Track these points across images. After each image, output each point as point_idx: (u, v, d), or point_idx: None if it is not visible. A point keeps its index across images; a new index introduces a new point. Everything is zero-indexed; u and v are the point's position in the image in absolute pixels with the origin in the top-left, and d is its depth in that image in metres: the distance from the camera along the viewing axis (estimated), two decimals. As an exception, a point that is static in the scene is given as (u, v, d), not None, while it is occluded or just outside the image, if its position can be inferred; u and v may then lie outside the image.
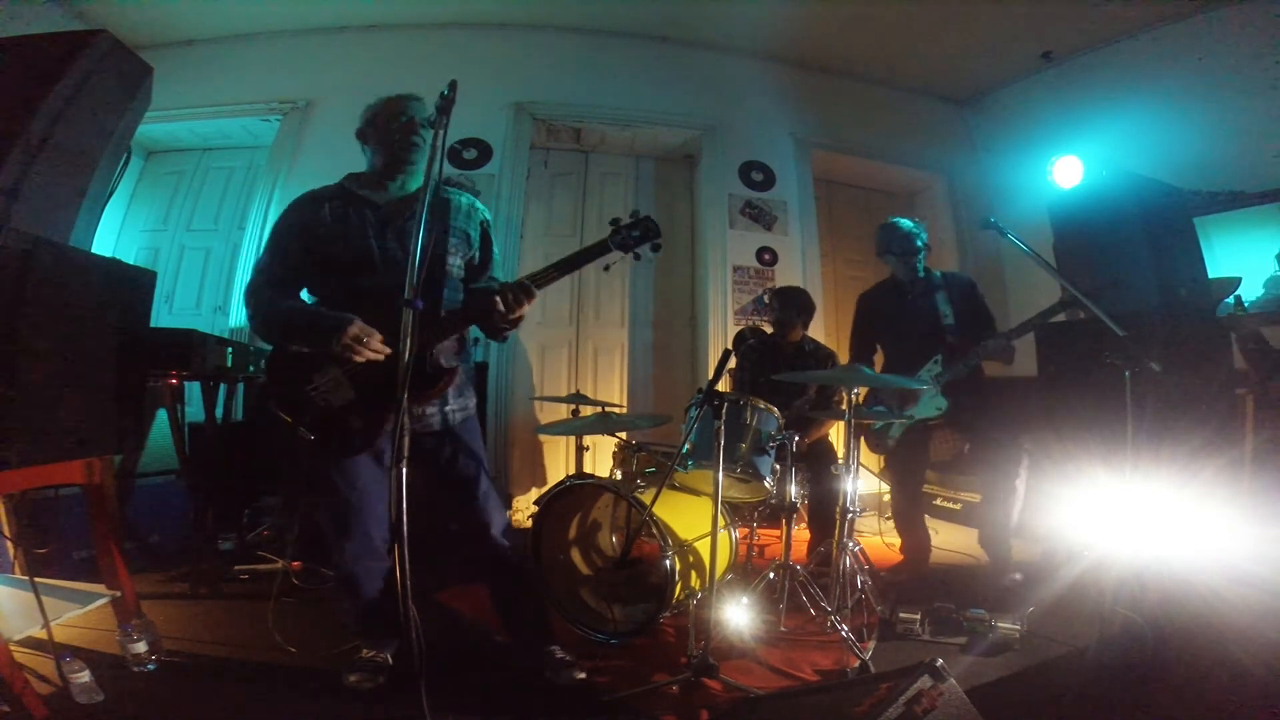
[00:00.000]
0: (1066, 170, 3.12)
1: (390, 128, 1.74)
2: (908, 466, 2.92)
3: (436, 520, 2.73)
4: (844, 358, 3.21)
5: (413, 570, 1.22)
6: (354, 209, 1.74)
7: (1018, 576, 2.57)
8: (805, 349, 3.14)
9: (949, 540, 3.36)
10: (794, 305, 3.16)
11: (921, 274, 2.91)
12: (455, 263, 1.80)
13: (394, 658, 1.86)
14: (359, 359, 1.56)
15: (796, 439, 2.41)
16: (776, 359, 3.07)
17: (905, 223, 2.96)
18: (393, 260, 1.68)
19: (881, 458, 3.01)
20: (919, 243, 2.90)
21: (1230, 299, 3.18)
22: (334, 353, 1.57)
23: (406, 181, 1.78)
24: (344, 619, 1.94)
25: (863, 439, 2.95)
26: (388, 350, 1.56)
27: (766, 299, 3.89)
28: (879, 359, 3.10)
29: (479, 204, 1.92)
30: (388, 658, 1.85)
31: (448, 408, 1.78)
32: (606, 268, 1.74)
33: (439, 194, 1.79)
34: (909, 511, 2.92)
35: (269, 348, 1.79)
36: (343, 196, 1.77)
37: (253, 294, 1.71)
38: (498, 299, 1.60)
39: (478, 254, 1.87)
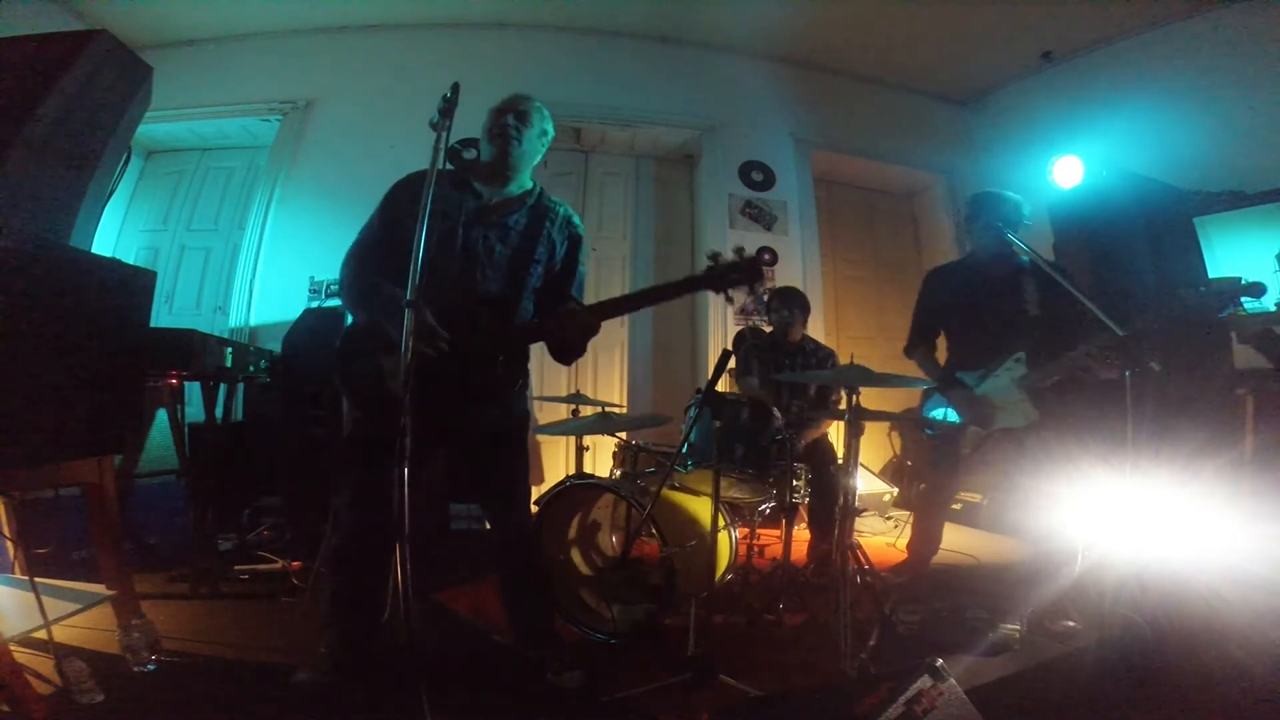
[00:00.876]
0: (1067, 170, 3.12)
1: (494, 121, 1.79)
2: (955, 470, 2.69)
3: (438, 521, 2.73)
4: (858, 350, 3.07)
5: (412, 570, 1.22)
6: (459, 194, 1.77)
7: (1070, 623, 2.17)
8: (806, 348, 3.14)
9: (949, 540, 3.35)
10: (796, 304, 3.14)
11: (1008, 252, 2.51)
12: (537, 271, 1.82)
13: (355, 650, 1.80)
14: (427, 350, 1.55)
15: (796, 440, 2.40)
16: (777, 358, 3.07)
17: (1009, 194, 2.56)
18: (473, 251, 1.73)
19: (901, 449, 2.84)
20: (1019, 216, 2.48)
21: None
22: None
23: (517, 179, 1.82)
24: (323, 609, 1.87)
25: (933, 446, 2.72)
26: (445, 343, 1.56)
27: (766, 298, 3.87)
28: (941, 347, 2.79)
29: (576, 218, 1.94)
30: (345, 656, 1.78)
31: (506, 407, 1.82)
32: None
33: (537, 204, 1.86)
34: (932, 512, 2.81)
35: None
36: (455, 180, 1.80)
37: (346, 263, 1.76)
38: (554, 333, 1.66)
39: (560, 264, 1.89)
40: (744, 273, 1.56)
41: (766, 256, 4.58)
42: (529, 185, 1.88)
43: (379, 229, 1.77)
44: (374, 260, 1.73)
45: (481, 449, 1.82)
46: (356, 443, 1.77)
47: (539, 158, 1.87)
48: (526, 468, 1.93)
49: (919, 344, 2.76)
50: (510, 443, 1.87)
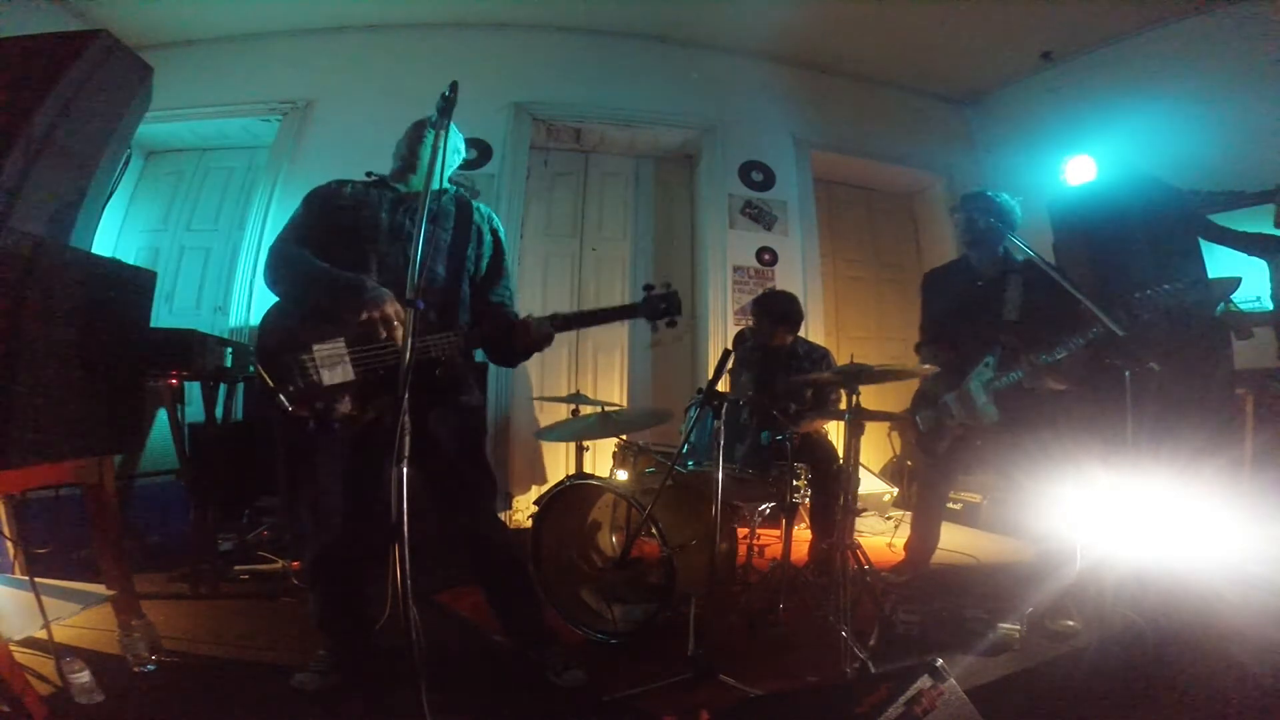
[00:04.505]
0: (1079, 169, 3.13)
1: (412, 132, 1.86)
2: (945, 469, 2.78)
3: (435, 520, 2.73)
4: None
5: (404, 569, 1.22)
6: (374, 189, 1.85)
7: (1070, 623, 2.15)
8: (798, 351, 3.10)
9: (949, 540, 3.35)
10: (767, 314, 3.05)
11: (1000, 253, 2.55)
12: (471, 255, 1.87)
13: (354, 655, 1.81)
14: (381, 334, 1.58)
15: (793, 434, 2.40)
16: (770, 362, 3.05)
17: (997, 195, 2.58)
18: (399, 232, 1.77)
19: (901, 450, 2.88)
20: (1009, 218, 2.48)
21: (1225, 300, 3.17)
22: (352, 321, 1.58)
23: (443, 172, 1.86)
24: (309, 613, 1.86)
25: (915, 439, 2.82)
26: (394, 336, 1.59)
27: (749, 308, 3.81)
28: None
29: (493, 214, 2.01)
30: (344, 655, 1.80)
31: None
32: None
33: (459, 196, 1.92)
34: (929, 512, 2.85)
35: (263, 317, 1.76)
36: (366, 182, 1.89)
37: (280, 246, 1.77)
38: (533, 330, 1.72)
39: (487, 259, 1.93)
40: (669, 304, 1.78)
41: (766, 256, 4.58)
42: (447, 188, 1.92)
43: (301, 225, 1.81)
44: (306, 248, 1.75)
45: (439, 449, 1.73)
46: (308, 453, 1.73)
47: (452, 168, 1.93)
48: (487, 465, 1.89)
49: (926, 344, 2.82)
50: (468, 441, 1.83)
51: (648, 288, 1.80)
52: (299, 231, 1.79)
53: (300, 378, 1.60)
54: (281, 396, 1.59)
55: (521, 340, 1.74)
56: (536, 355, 1.88)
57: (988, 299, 2.56)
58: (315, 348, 1.61)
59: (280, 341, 1.65)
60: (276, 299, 1.76)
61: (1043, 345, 2.32)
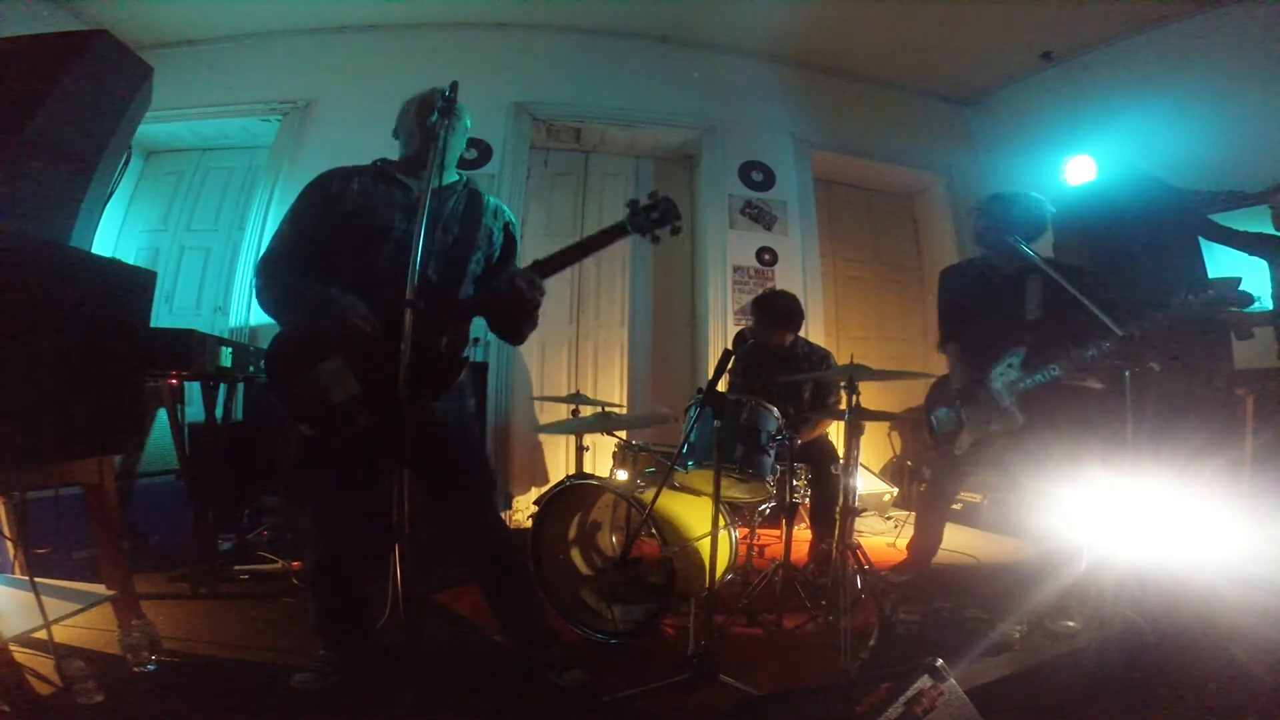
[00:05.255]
0: (1079, 169, 3.12)
1: (419, 116, 1.72)
2: (956, 469, 2.72)
3: (436, 520, 2.74)
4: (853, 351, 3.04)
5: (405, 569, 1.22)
6: (385, 186, 1.74)
7: (1070, 623, 2.12)
8: (797, 352, 3.09)
9: (949, 540, 3.35)
10: (765, 313, 3.04)
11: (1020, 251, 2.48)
12: (477, 258, 1.80)
13: (353, 658, 1.80)
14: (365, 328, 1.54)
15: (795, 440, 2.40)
16: (770, 362, 3.05)
17: (1029, 196, 2.49)
18: (412, 240, 1.68)
19: (901, 449, 2.84)
20: (1040, 219, 2.42)
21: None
22: (339, 333, 1.55)
23: (441, 173, 1.76)
24: (310, 616, 1.85)
25: (932, 440, 2.73)
26: (372, 325, 1.54)
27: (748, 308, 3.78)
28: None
29: (505, 207, 1.92)
30: (344, 657, 1.79)
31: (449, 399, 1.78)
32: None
33: (470, 191, 1.84)
34: (934, 512, 2.82)
35: (267, 347, 1.77)
36: (375, 174, 1.78)
37: (263, 270, 1.70)
38: (515, 281, 1.59)
39: (498, 253, 1.86)
40: (661, 212, 1.60)
41: (766, 255, 4.58)
42: (455, 177, 1.84)
43: (294, 233, 1.72)
44: (294, 264, 1.69)
45: (435, 449, 1.70)
46: (311, 458, 1.72)
47: (461, 150, 1.84)
48: (487, 466, 1.87)
49: (949, 340, 2.71)
50: (466, 441, 1.82)
51: (631, 203, 1.62)
52: (289, 243, 1.71)
53: (312, 400, 1.59)
54: (303, 426, 1.60)
55: (510, 296, 1.61)
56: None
57: (1007, 297, 2.50)
58: (317, 368, 1.60)
59: (285, 367, 1.64)
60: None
61: (1079, 341, 2.22)
